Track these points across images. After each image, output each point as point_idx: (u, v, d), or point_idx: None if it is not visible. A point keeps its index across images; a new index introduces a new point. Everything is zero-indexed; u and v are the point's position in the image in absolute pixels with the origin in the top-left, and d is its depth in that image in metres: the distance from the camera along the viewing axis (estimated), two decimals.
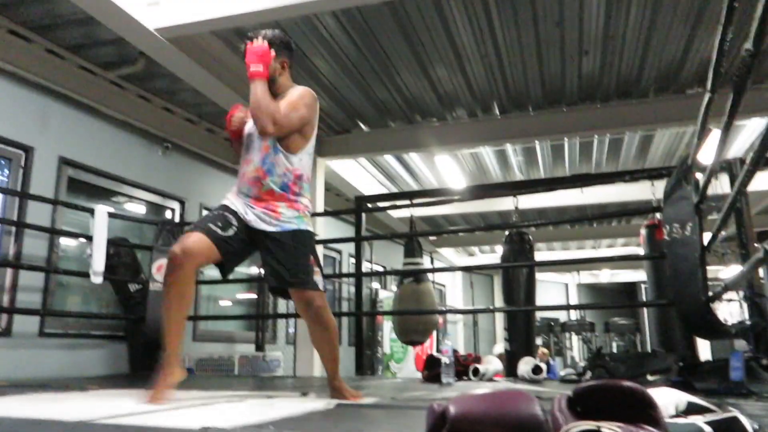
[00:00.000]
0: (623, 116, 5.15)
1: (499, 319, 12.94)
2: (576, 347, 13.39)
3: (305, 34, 4.01)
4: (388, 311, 7.96)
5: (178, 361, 2.10)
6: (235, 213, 2.21)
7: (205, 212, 5.64)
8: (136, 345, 4.47)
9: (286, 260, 2.20)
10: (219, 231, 2.13)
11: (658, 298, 4.41)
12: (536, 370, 3.67)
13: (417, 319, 4.96)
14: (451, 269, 9.80)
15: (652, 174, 3.97)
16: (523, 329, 4.84)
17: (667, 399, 1.11)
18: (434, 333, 8.89)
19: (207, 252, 2.10)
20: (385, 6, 3.68)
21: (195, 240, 2.08)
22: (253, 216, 2.20)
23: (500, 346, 4.05)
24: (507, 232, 4.95)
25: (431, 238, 10.02)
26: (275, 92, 2.28)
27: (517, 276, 4.88)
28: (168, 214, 5.33)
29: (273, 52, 2.27)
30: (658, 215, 4.05)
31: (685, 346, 4.09)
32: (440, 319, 9.94)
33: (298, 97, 2.25)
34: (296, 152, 2.25)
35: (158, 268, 4.34)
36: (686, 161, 3.17)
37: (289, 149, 2.24)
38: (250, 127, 2.32)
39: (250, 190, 2.22)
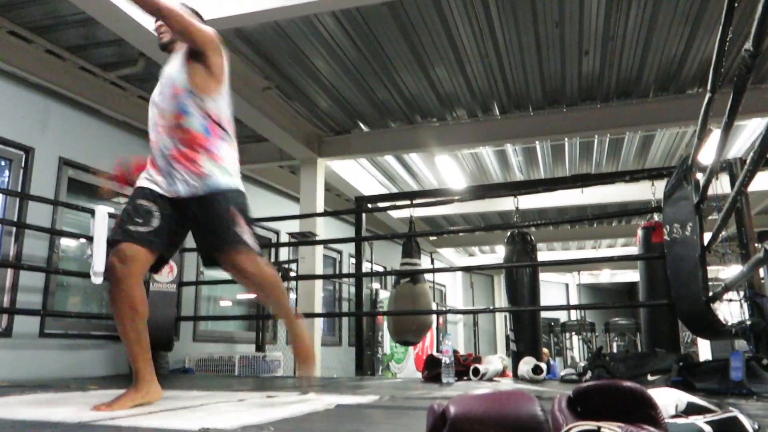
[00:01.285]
0: (623, 116, 5.16)
1: (500, 319, 12.96)
2: (576, 347, 13.39)
3: (305, 34, 4.02)
4: (386, 311, 7.97)
5: (153, 378, 1.96)
6: (152, 192, 2.02)
7: None
8: None
9: (210, 223, 2.03)
10: (141, 228, 1.96)
11: (650, 299, 4.42)
12: (536, 370, 3.67)
13: (411, 320, 4.98)
14: (452, 269, 9.79)
15: (652, 174, 3.97)
16: (530, 329, 4.84)
17: (668, 399, 1.11)
18: (434, 333, 8.90)
19: (143, 256, 1.97)
20: (385, 6, 3.68)
21: (127, 248, 1.94)
22: (176, 182, 2.01)
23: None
24: (509, 233, 4.95)
25: (431, 238, 10.03)
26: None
27: (521, 276, 4.88)
28: None
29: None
30: (655, 217, 4.05)
31: (673, 347, 4.11)
32: (440, 319, 9.93)
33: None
34: (210, 95, 2.07)
35: None
36: (686, 161, 3.17)
37: (204, 92, 2.05)
38: (156, 92, 2.14)
39: (169, 143, 2.02)
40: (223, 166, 2.05)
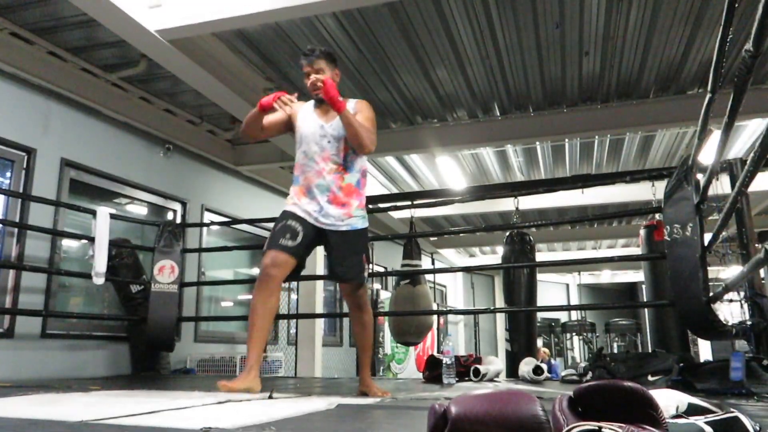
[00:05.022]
0: (624, 117, 5.16)
1: (500, 319, 12.96)
2: (577, 348, 13.40)
3: (306, 35, 4.02)
4: (387, 312, 7.97)
5: (257, 370, 2.32)
6: (301, 219, 2.47)
7: (206, 214, 5.66)
8: (138, 346, 4.48)
9: (345, 258, 2.51)
10: (290, 243, 2.42)
11: (655, 299, 4.42)
12: (537, 370, 3.67)
13: (411, 321, 5.00)
14: (452, 270, 9.79)
15: (652, 174, 3.97)
16: (525, 330, 4.85)
17: (668, 399, 1.11)
18: (435, 334, 8.90)
19: (290, 263, 2.43)
20: (386, 7, 3.69)
21: (278, 255, 2.39)
22: (325, 217, 2.47)
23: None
24: (508, 233, 4.95)
25: (432, 238, 10.03)
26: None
27: (518, 277, 4.88)
28: (169, 216, 5.34)
29: (337, 69, 2.62)
30: (657, 216, 4.05)
31: (680, 347, 4.11)
32: (440, 320, 9.93)
33: (370, 113, 2.58)
34: (363, 154, 2.58)
35: (160, 270, 4.36)
36: (687, 162, 3.17)
37: (361, 152, 2.57)
38: (312, 126, 2.56)
39: (329, 186, 2.48)
40: (363, 212, 2.57)
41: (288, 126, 2.67)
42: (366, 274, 2.59)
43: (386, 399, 2.33)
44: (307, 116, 2.60)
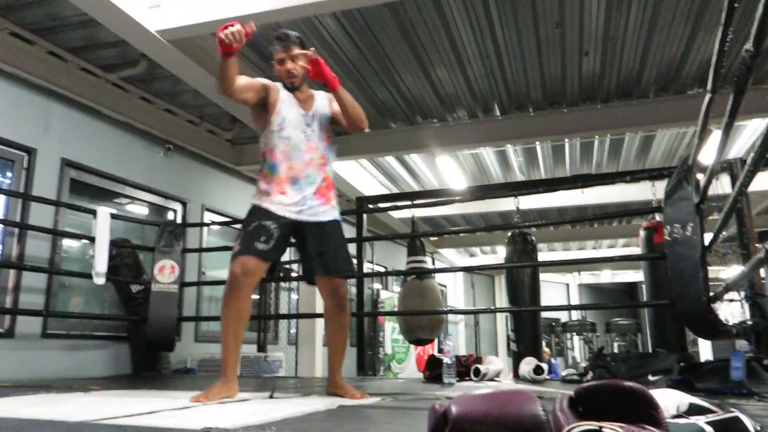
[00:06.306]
0: (624, 117, 5.16)
1: (500, 319, 12.96)
2: (577, 347, 13.39)
3: (306, 35, 4.02)
4: (389, 311, 7.96)
5: (236, 379, 2.26)
6: (277, 217, 2.32)
7: (207, 214, 5.66)
8: (139, 346, 4.48)
9: (336, 250, 2.40)
10: (265, 246, 2.28)
11: (655, 299, 4.41)
12: (538, 370, 3.67)
13: (422, 316, 4.88)
14: (453, 270, 9.79)
15: (652, 174, 3.97)
16: (530, 330, 4.85)
17: (669, 399, 1.11)
18: (440, 331, 8.87)
19: (262, 269, 2.30)
20: (386, 7, 3.69)
21: (252, 262, 2.25)
22: (310, 209, 2.36)
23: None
24: (510, 233, 4.95)
25: (432, 238, 10.03)
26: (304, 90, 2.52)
27: (521, 277, 4.88)
28: (170, 216, 5.34)
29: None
30: (657, 217, 4.05)
31: (679, 347, 4.11)
32: (445, 316, 9.92)
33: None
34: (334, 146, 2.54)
35: (160, 270, 4.36)
36: (687, 161, 3.17)
37: (334, 145, 2.54)
38: (296, 114, 2.42)
39: (314, 178, 2.38)
40: (337, 201, 2.50)
41: (261, 97, 2.40)
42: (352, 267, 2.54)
43: (387, 399, 2.32)
44: (287, 100, 2.42)
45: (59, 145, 4.22)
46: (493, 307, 11.81)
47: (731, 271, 3.44)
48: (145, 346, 4.39)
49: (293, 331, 6.49)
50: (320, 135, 2.44)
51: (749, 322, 3.01)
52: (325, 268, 2.38)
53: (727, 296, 3.17)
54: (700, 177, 3.14)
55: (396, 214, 7.82)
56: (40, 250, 4.02)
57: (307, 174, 2.37)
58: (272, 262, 2.34)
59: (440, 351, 3.51)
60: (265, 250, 2.26)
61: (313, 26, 3.92)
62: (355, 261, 6.82)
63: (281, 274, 5.79)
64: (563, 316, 13.59)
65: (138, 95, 4.84)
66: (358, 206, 5.83)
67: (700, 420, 1.04)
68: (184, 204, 5.44)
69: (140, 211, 5.17)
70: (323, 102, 2.53)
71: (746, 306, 3.11)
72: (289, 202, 2.33)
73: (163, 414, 1.68)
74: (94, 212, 4.10)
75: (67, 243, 4.41)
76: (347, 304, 2.47)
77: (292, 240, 2.47)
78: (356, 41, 4.12)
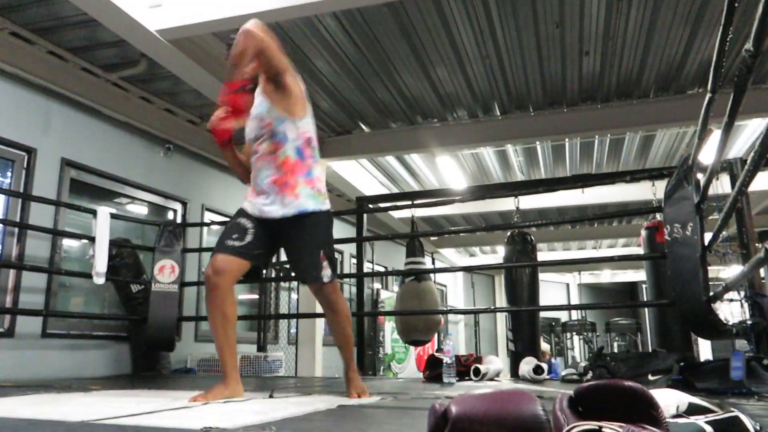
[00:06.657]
0: (624, 116, 5.16)
1: (500, 319, 12.96)
2: (577, 347, 13.39)
3: (306, 35, 4.02)
4: (389, 311, 7.96)
5: (238, 379, 2.21)
6: (248, 215, 2.25)
7: (207, 214, 5.66)
8: (139, 345, 4.48)
9: (299, 252, 2.24)
10: (237, 243, 2.20)
11: (656, 299, 4.42)
12: (538, 370, 3.67)
13: (418, 317, 4.92)
14: (453, 269, 9.80)
15: (652, 174, 3.97)
16: (528, 329, 4.85)
17: (669, 399, 1.11)
18: (435, 333, 8.87)
19: (236, 266, 2.20)
20: (386, 7, 3.69)
21: (221, 259, 2.18)
22: (269, 206, 2.21)
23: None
24: (509, 233, 4.95)
25: (432, 238, 10.03)
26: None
27: (520, 276, 4.88)
28: (170, 215, 5.34)
29: None
30: (658, 216, 4.05)
31: (683, 347, 4.11)
32: (441, 318, 9.93)
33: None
34: (299, 116, 2.26)
35: (160, 269, 4.36)
36: (687, 161, 3.17)
37: (293, 114, 2.24)
38: (249, 129, 2.34)
39: (268, 168, 2.22)
40: (314, 189, 2.24)
41: None
42: (327, 273, 2.21)
43: (387, 399, 2.32)
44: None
45: (59, 145, 4.22)
46: (492, 307, 11.81)
47: (731, 271, 3.44)
48: (145, 346, 4.39)
49: (293, 330, 6.49)
50: (261, 122, 2.26)
51: (749, 322, 3.01)
52: (294, 271, 2.29)
53: (727, 296, 3.17)
54: (700, 177, 3.15)
55: (396, 214, 7.82)
56: (40, 249, 4.02)
57: (259, 168, 2.25)
58: (251, 261, 2.24)
59: (440, 351, 3.51)
60: (236, 246, 2.18)
61: (313, 26, 3.92)
62: (354, 261, 6.85)
63: (281, 274, 5.79)
64: (563, 316, 13.59)
65: (138, 95, 4.84)
66: (358, 206, 5.84)
67: (700, 420, 1.04)
68: (184, 204, 5.44)
69: (140, 210, 5.17)
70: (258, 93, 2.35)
71: (746, 306, 3.11)
72: (254, 200, 2.26)
73: (163, 414, 1.68)
74: (94, 212, 4.10)
75: (67, 243, 4.41)
76: (337, 304, 2.32)
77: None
78: (356, 41, 4.12)
